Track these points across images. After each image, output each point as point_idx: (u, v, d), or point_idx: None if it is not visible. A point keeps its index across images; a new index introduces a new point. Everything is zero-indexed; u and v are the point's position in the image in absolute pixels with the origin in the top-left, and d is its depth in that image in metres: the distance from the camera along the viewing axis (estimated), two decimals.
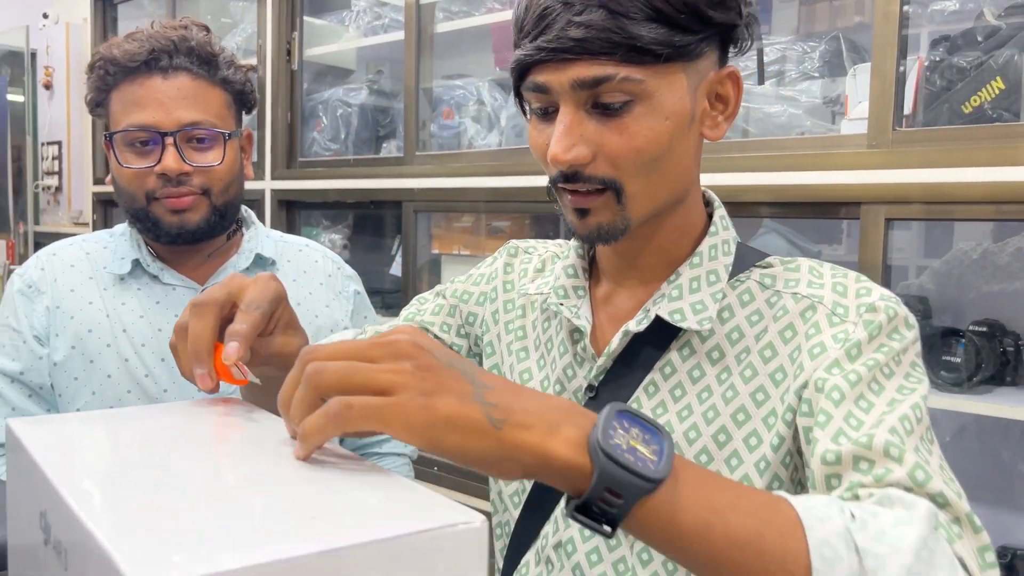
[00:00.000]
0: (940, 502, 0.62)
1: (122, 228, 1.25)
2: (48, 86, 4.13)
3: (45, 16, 4.20)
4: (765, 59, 1.67)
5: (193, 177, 1.15)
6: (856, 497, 0.63)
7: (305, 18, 2.63)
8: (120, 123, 1.15)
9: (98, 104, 1.19)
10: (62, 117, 4.08)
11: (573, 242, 0.87)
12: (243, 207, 1.28)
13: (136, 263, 1.20)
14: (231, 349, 0.65)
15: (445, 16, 2.23)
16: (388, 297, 2.48)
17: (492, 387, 0.53)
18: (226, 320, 0.69)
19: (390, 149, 2.47)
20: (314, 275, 1.29)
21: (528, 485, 0.84)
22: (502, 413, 0.52)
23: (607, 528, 0.53)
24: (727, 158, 1.59)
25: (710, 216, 0.83)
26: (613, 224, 0.75)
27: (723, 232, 0.81)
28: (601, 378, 0.80)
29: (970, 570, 0.59)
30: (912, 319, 0.74)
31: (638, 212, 0.75)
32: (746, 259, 0.81)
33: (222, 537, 0.35)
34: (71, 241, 1.26)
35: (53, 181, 4.13)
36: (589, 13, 0.68)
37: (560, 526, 0.81)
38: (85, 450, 0.50)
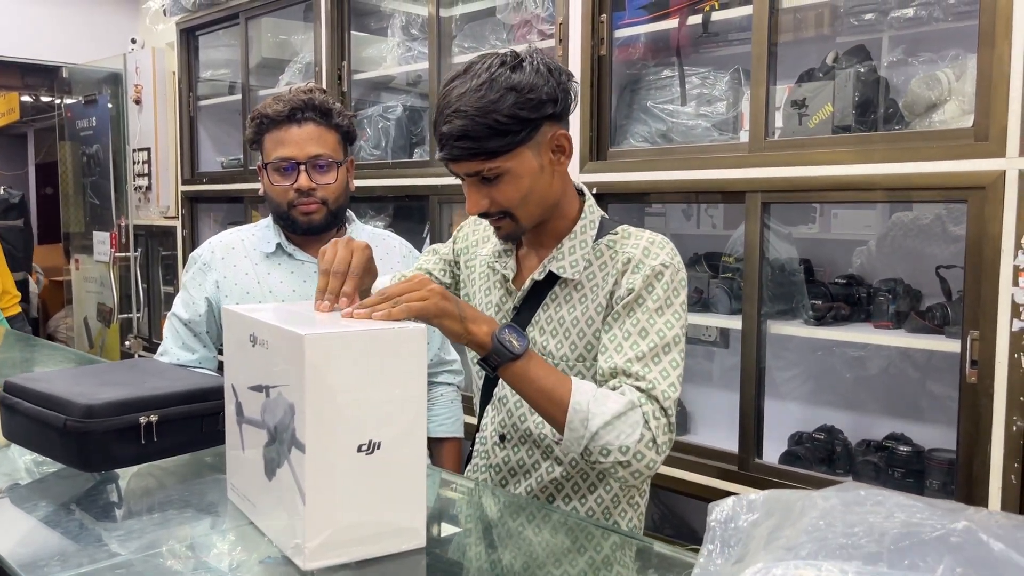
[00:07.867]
0: (657, 400, 1.19)
1: (266, 222, 1.81)
2: (138, 101, 4.69)
3: (133, 41, 4.85)
4: (687, 86, 2.24)
5: (317, 191, 1.69)
6: (612, 388, 1.21)
7: (354, 34, 3.18)
8: (271, 156, 1.70)
9: (254, 142, 1.74)
10: (150, 127, 4.63)
11: None
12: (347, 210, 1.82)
13: (278, 246, 1.77)
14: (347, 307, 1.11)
15: (459, 50, 2.84)
16: None
17: (462, 305, 1.16)
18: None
19: (420, 154, 3.04)
20: (394, 255, 1.87)
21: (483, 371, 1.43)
22: (465, 314, 1.15)
23: (493, 372, 1.18)
24: (658, 160, 2.17)
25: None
26: (514, 232, 1.30)
27: (590, 215, 1.33)
28: (519, 304, 1.37)
29: (652, 429, 1.16)
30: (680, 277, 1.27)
31: (527, 222, 1.29)
32: (606, 228, 1.34)
33: (322, 328, 0.97)
34: (231, 231, 1.84)
35: (143, 182, 4.70)
36: (459, 140, 1.18)
37: (501, 389, 1.41)
38: (264, 309, 1.13)
